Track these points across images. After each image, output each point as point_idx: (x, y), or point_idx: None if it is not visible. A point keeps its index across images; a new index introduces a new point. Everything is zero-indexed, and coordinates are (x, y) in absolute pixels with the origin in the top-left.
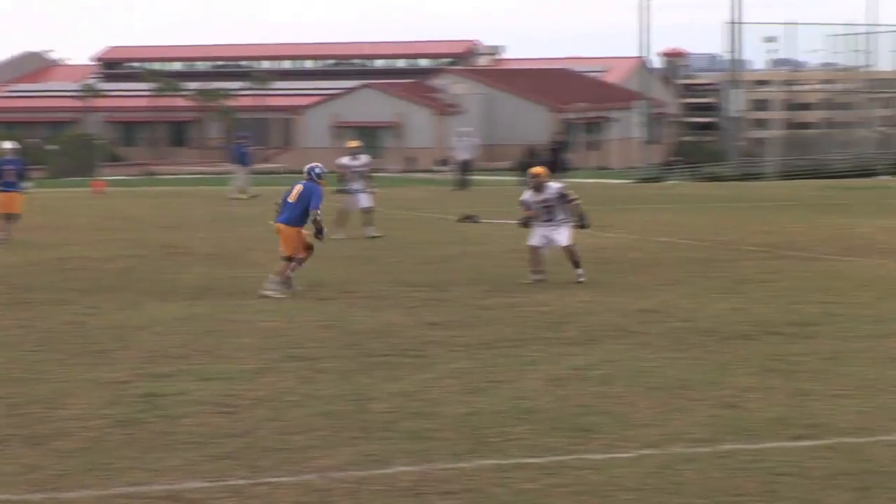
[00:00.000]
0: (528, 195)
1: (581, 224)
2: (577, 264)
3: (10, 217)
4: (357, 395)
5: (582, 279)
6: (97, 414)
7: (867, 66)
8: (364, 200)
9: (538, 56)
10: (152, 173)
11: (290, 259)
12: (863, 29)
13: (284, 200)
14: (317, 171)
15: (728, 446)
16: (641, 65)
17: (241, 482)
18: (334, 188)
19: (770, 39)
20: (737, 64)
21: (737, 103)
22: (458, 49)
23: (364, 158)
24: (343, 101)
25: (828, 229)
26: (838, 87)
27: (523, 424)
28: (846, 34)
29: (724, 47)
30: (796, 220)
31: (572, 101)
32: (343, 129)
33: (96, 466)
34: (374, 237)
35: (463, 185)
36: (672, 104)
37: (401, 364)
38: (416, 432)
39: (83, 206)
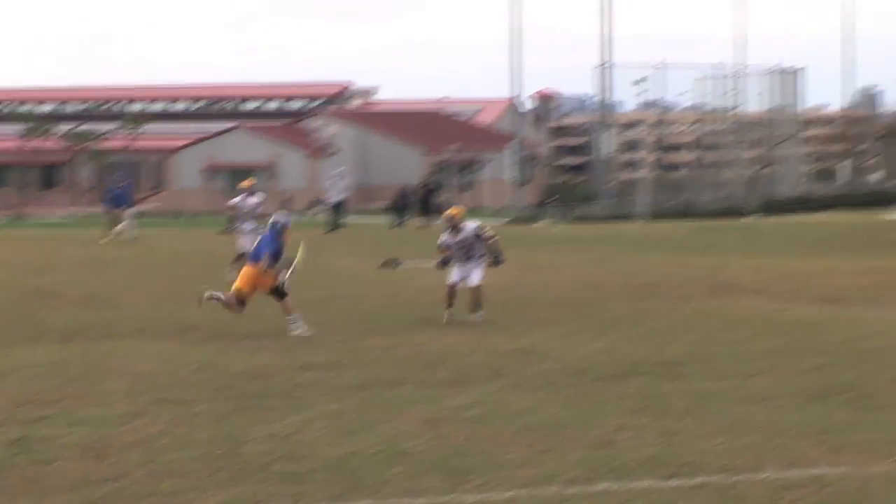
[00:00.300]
0: (445, 237)
1: (496, 261)
2: (478, 306)
3: None
4: (230, 438)
5: (480, 319)
6: None
7: (735, 107)
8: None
9: (411, 97)
10: (22, 216)
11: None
12: (731, 71)
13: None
14: (279, 223)
15: (602, 486)
16: (513, 106)
17: None
18: (221, 228)
19: (640, 81)
20: (607, 105)
21: (607, 144)
22: (331, 90)
23: (256, 198)
24: (216, 143)
25: (697, 269)
26: (707, 128)
27: (398, 465)
28: (715, 76)
29: (595, 89)
30: (666, 260)
31: (445, 142)
32: (216, 171)
33: None
34: None
35: (336, 226)
36: (544, 145)
37: (275, 406)
38: (291, 475)
39: None
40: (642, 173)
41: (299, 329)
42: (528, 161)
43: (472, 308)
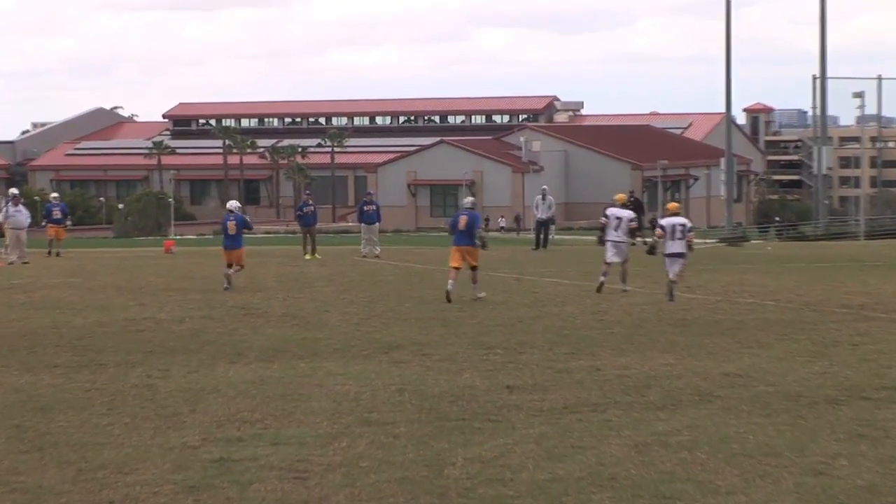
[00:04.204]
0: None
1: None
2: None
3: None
4: (433, 461)
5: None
6: (166, 479)
7: None
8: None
9: (618, 112)
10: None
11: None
12: None
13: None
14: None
15: None
16: (725, 120)
17: None
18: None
19: (858, 95)
20: (824, 120)
21: (824, 160)
22: (537, 105)
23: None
24: (419, 158)
25: None
26: None
27: (604, 492)
28: None
29: (811, 103)
30: (885, 280)
31: (653, 157)
32: (418, 187)
33: None
34: None
35: (541, 244)
36: (756, 161)
37: (478, 428)
38: (494, 499)
39: (153, 265)
40: (860, 190)
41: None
42: (740, 177)
43: None
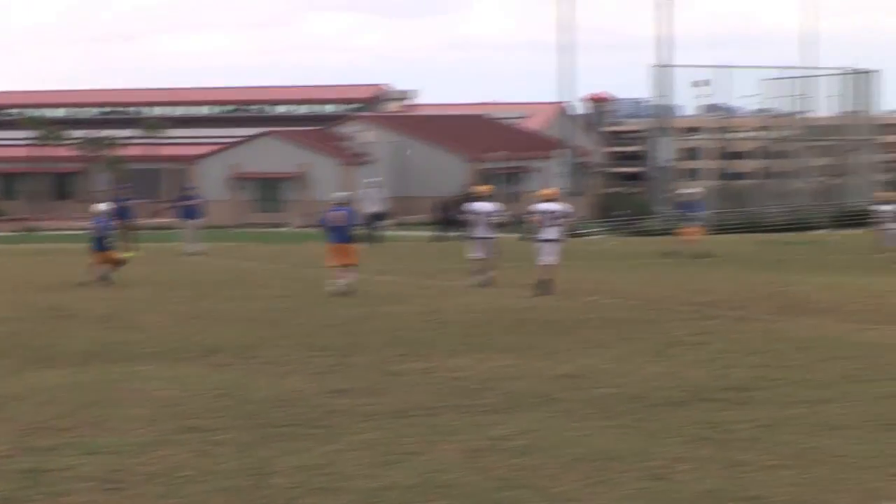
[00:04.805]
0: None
1: None
2: None
3: None
4: (257, 469)
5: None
6: None
7: (804, 112)
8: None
9: (453, 101)
10: (32, 229)
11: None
12: (799, 73)
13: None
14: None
15: None
16: (563, 111)
17: None
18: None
19: (701, 84)
20: (665, 110)
21: (666, 152)
22: (366, 94)
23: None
24: (242, 150)
25: (763, 287)
26: (773, 134)
27: (438, 500)
28: (781, 78)
29: (653, 92)
30: (729, 277)
31: (490, 149)
32: (242, 181)
33: None
34: None
35: (373, 240)
36: (596, 153)
37: (305, 435)
38: None
39: None
40: (703, 183)
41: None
42: (579, 170)
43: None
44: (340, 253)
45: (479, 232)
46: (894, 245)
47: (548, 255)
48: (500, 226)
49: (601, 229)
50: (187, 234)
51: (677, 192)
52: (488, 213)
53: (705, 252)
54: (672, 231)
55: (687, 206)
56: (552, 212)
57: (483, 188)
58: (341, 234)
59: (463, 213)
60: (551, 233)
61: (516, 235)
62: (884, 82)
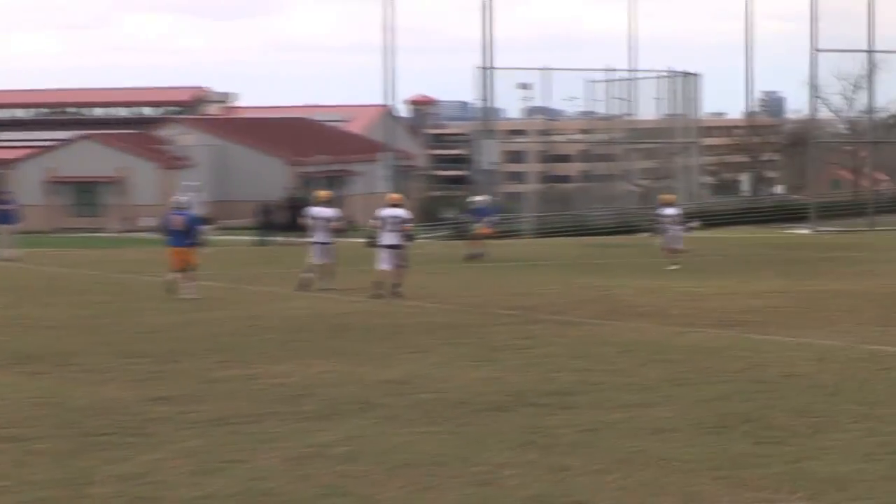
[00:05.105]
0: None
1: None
2: None
3: None
4: (74, 479)
5: None
6: None
7: (628, 114)
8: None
9: (274, 104)
10: None
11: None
12: (623, 75)
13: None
14: None
15: None
16: (386, 113)
17: None
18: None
19: (524, 86)
20: (489, 112)
21: (490, 155)
22: (185, 96)
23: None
24: (59, 154)
25: (587, 291)
26: (598, 137)
27: None
28: (606, 80)
29: (476, 94)
30: (553, 280)
31: (312, 152)
32: (59, 185)
33: None
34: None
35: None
36: (420, 156)
37: (123, 443)
38: None
39: None
40: (528, 186)
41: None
42: (403, 173)
43: None
44: (180, 257)
45: (319, 237)
46: (677, 246)
47: (387, 261)
48: (339, 231)
49: (426, 233)
50: (2, 240)
51: (468, 200)
52: (328, 219)
53: (479, 255)
54: (467, 236)
55: (477, 213)
56: (395, 217)
57: (323, 194)
58: (181, 237)
59: (285, 217)
60: (392, 238)
61: (363, 241)
62: (705, 86)
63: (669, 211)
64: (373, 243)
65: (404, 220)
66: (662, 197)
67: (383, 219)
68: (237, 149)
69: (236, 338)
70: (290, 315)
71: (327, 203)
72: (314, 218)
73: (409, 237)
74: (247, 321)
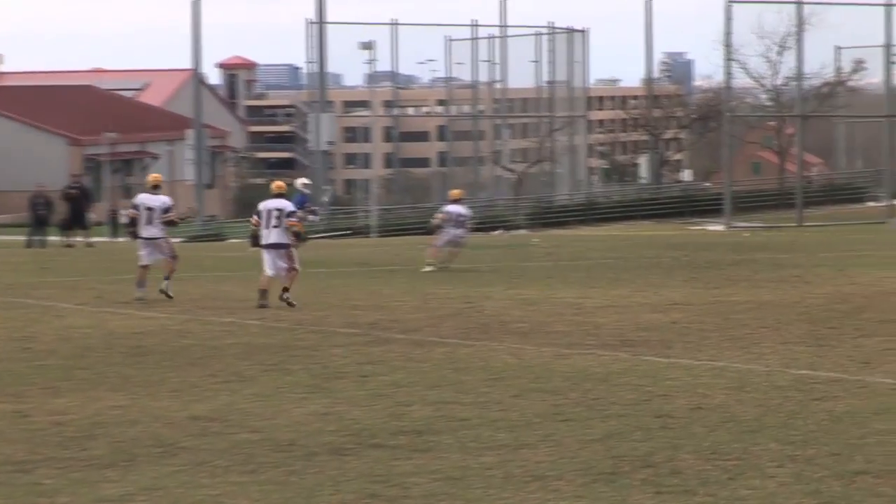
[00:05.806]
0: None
1: None
2: None
3: None
4: None
5: None
6: None
7: (498, 81)
8: None
9: (52, 68)
10: None
11: None
12: (493, 32)
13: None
14: None
15: None
16: (193, 80)
17: None
18: None
19: (368, 46)
20: (323, 79)
21: (324, 132)
22: None
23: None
24: None
25: (447, 303)
26: (460, 110)
27: None
28: (471, 38)
29: (307, 56)
30: (405, 291)
31: (99, 129)
32: None
33: None
34: None
35: None
36: (236, 134)
37: None
38: None
39: None
40: (372, 171)
41: None
42: (214, 155)
43: None
44: None
45: (146, 231)
46: (453, 248)
47: (273, 264)
48: (171, 224)
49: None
50: None
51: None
52: (162, 209)
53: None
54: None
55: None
56: (273, 210)
57: (153, 177)
58: None
59: (66, 210)
60: (273, 235)
61: (246, 240)
62: (593, 45)
63: (454, 209)
64: (256, 242)
65: (288, 214)
66: (452, 192)
67: (266, 212)
68: (4, 125)
69: (3, 364)
70: (74, 335)
71: (156, 189)
72: (141, 208)
73: (296, 234)
74: (17, 343)
